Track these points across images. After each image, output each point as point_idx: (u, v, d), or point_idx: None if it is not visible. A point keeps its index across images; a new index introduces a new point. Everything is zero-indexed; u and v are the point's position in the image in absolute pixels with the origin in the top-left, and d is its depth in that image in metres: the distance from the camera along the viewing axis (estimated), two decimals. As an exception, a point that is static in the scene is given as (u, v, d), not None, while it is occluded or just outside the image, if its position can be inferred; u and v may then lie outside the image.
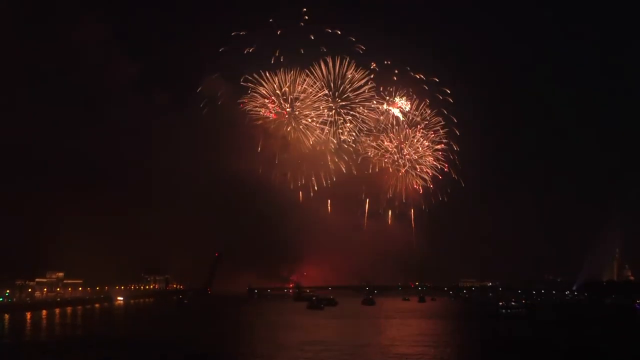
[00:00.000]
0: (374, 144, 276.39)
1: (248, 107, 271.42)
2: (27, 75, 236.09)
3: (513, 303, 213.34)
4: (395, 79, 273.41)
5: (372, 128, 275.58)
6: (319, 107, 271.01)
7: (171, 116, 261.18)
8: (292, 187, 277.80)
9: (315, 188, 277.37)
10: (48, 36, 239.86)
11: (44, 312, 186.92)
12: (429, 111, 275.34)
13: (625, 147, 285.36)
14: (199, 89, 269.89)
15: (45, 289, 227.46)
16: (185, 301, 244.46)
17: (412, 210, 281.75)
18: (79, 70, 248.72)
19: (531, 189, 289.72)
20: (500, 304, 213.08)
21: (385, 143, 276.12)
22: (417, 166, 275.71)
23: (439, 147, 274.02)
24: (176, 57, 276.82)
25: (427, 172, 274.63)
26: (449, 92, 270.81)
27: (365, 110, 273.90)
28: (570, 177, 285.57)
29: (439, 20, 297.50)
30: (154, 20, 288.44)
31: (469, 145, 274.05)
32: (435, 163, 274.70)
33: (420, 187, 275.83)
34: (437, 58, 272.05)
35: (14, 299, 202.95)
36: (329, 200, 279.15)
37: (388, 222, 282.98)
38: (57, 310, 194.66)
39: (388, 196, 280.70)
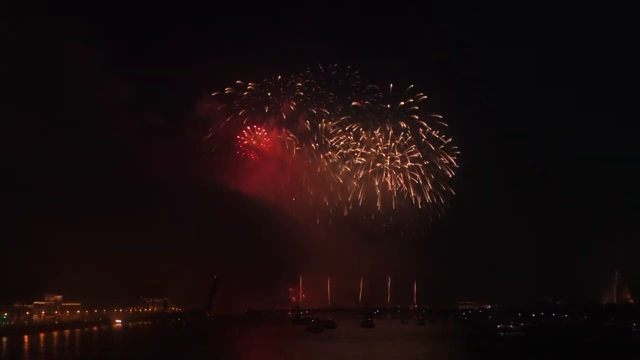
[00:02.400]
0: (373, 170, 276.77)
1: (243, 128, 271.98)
2: (21, 98, 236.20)
3: (511, 326, 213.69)
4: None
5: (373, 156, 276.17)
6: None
7: (167, 138, 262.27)
8: (290, 209, 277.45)
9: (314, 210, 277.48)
10: (40, 59, 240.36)
11: (42, 335, 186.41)
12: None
13: (626, 166, 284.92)
14: (195, 110, 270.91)
15: (43, 312, 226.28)
16: (184, 324, 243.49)
17: (411, 233, 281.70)
18: (73, 93, 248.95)
19: (530, 211, 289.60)
20: (499, 326, 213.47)
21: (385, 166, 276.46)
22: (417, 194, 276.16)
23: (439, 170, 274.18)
24: (171, 79, 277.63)
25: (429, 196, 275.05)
26: (443, 119, 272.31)
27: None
28: (570, 199, 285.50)
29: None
30: (148, 41, 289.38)
31: (468, 166, 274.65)
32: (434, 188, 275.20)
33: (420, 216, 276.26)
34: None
35: (12, 322, 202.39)
36: (318, 219, 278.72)
37: (386, 244, 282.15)
38: (55, 333, 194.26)
39: (388, 220, 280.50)
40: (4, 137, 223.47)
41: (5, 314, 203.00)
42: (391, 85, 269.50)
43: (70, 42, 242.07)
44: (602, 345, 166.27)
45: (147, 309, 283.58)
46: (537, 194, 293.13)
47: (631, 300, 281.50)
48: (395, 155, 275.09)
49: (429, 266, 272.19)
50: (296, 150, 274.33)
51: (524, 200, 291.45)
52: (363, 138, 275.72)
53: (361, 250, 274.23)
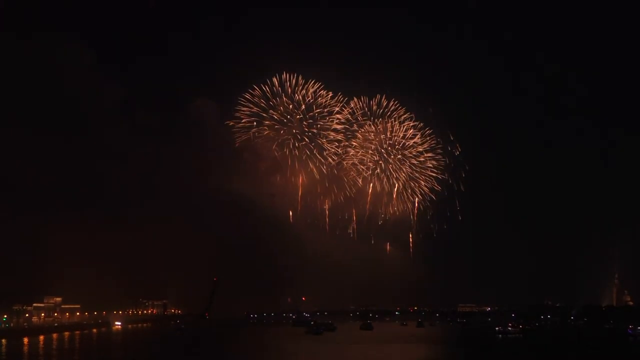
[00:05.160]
0: (371, 164, 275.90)
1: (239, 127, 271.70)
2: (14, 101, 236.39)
3: (510, 328, 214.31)
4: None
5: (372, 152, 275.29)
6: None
7: (164, 141, 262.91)
8: (290, 215, 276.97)
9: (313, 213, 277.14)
10: (32, 60, 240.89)
11: (42, 337, 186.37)
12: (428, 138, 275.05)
13: (625, 174, 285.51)
14: (189, 110, 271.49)
15: (42, 314, 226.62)
16: (183, 326, 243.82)
17: (410, 235, 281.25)
18: (66, 95, 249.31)
19: (530, 213, 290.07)
20: (497, 328, 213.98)
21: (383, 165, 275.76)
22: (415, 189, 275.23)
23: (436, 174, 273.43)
24: (164, 79, 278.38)
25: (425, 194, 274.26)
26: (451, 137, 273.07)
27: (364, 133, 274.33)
28: (570, 201, 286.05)
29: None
30: (141, 42, 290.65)
31: (468, 169, 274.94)
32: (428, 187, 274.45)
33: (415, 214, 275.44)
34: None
35: (12, 324, 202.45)
36: (318, 222, 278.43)
37: (386, 247, 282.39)
38: (55, 336, 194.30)
39: (387, 220, 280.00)
40: (2, 140, 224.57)
41: (5, 316, 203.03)
42: (382, 96, 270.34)
43: (64, 45, 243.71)
44: (596, 347, 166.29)
45: (147, 311, 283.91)
46: (537, 196, 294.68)
47: (630, 303, 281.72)
48: (393, 159, 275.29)
49: (429, 269, 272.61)
50: (293, 151, 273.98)
51: (524, 202, 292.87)
52: (362, 142, 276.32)
53: (361, 253, 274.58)
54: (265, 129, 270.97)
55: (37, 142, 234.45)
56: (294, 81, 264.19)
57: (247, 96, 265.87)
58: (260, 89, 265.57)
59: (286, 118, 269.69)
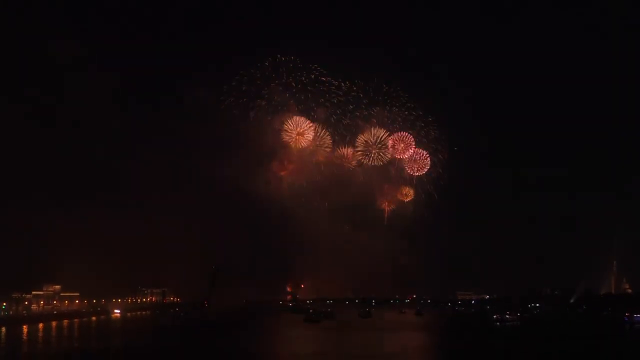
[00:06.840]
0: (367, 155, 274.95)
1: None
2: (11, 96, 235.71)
3: (507, 316, 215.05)
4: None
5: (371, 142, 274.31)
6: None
7: (159, 129, 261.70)
8: (283, 198, 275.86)
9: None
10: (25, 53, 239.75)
11: (41, 325, 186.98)
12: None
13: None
14: (184, 98, 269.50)
15: (42, 302, 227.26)
16: (182, 314, 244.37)
17: (409, 225, 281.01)
18: (61, 86, 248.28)
19: (529, 202, 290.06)
20: (495, 316, 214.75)
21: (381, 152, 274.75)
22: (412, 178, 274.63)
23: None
24: (160, 67, 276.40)
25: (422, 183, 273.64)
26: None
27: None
28: (569, 190, 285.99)
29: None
30: (140, 31, 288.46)
31: (462, 157, 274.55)
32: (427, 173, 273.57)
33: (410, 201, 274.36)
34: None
35: (11, 312, 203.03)
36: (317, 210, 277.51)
37: (385, 235, 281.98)
38: (54, 323, 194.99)
39: (385, 209, 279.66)
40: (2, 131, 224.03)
41: (4, 303, 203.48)
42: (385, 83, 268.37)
43: (60, 34, 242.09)
44: (589, 335, 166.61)
45: (146, 299, 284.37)
46: (536, 185, 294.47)
47: (629, 290, 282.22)
48: (393, 150, 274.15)
49: (427, 257, 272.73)
50: (289, 138, 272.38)
51: (523, 191, 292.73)
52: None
53: (360, 241, 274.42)
54: (262, 116, 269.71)
55: (35, 135, 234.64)
56: (291, 65, 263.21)
57: (237, 83, 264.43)
58: (252, 74, 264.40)
59: (281, 106, 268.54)
